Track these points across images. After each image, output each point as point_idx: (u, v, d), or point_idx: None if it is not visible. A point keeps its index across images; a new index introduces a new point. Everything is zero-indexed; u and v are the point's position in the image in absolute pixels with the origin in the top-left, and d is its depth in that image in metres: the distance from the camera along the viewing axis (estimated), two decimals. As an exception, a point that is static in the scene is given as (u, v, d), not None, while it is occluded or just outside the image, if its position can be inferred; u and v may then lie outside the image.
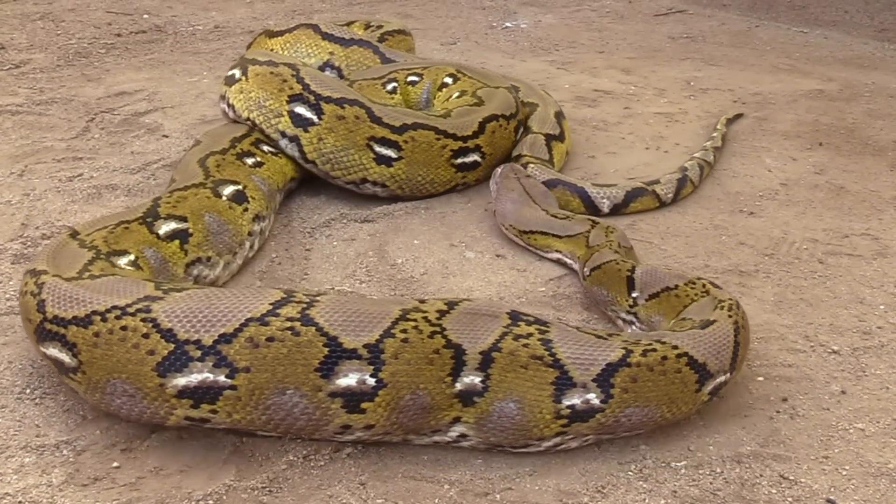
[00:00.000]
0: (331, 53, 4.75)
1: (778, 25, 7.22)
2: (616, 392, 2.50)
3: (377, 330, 2.44)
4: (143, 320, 2.44)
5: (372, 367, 2.42)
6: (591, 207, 3.98)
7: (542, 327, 2.56)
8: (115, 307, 2.48)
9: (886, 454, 2.62)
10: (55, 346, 2.56)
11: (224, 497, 2.41)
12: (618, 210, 3.99)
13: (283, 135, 3.96)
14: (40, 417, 2.67)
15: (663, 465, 2.56)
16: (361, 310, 2.49)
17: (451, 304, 2.59)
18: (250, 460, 2.55)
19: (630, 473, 2.53)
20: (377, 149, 3.91)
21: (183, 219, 3.24)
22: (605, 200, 3.98)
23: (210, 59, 5.94)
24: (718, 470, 2.54)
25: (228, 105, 4.14)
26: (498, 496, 2.45)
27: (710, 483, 2.50)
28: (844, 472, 2.55)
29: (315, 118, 3.90)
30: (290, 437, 2.57)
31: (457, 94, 4.47)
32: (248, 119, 4.04)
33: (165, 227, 3.17)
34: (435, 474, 2.52)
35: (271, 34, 4.91)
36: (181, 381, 2.42)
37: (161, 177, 4.14)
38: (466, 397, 2.50)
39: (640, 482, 2.50)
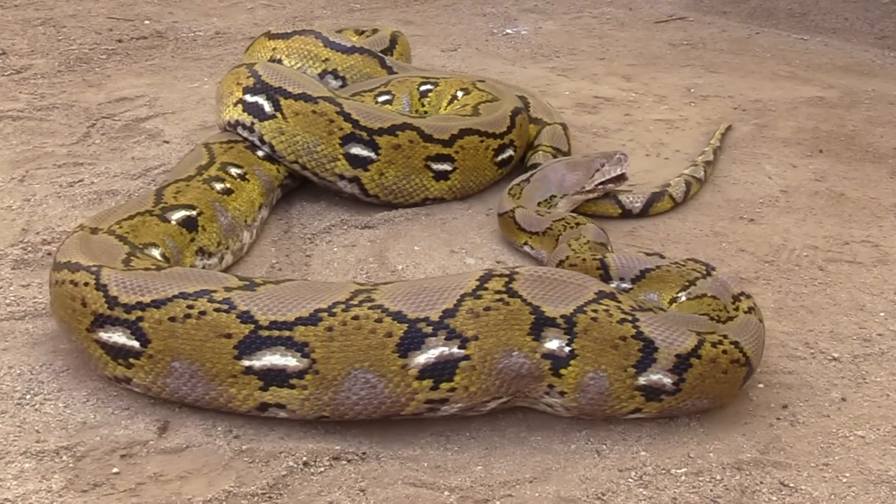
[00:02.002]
0: (273, 49, 4.74)
1: (778, 33, 7.23)
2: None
3: (572, 305, 2.63)
4: (371, 308, 2.55)
5: (567, 337, 2.61)
6: None
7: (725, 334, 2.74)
8: (337, 302, 2.57)
9: (887, 461, 2.62)
10: (276, 354, 2.55)
11: (224, 503, 2.41)
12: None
13: (342, 177, 3.88)
14: (40, 423, 2.67)
15: (663, 471, 2.56)
16: (560, 283, 2.68)
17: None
18: (250, 466, 2.54)
19: (630, 480, 2.53)
20: (434, 167, 3.95)
21: (154, 245, 3.13)
22: None
23: (211, 65, 5.95)
24: (718, 477, 2.54)
25: (262, 142, 3.89)
26: (498, 503, 2.44)
27: (711, 490, 2.50)
28: (845, 480, 2.55)
29: (373, 155, 3.83)
30: (516, 401, 2.70)
31: (460, 92, 4.47)
32: (294, 162, 3.88)
33: (153, 252, 3.08)
34: (435, 481, 2.52)
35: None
36: (421, 358, 2.54)
37: (161, 182, 4.14)
38: (652, 394, 2.67)
39: (641, 489, 2.50)
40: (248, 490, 2.45)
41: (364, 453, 2.60)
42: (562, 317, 2.61)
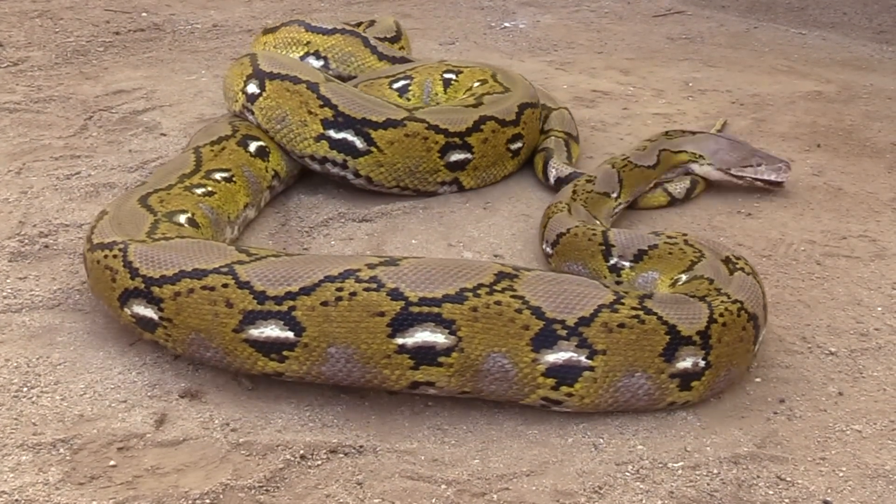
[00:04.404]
0: (264, 44, 4.84)
1: (776, 27, 7.23)
2: None
3: (703, 317, 2.71)
4: (512, 297, 2.61)
5: (703, 352, 2.70)
6: (545, 175, 4.22)
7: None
8: (481, 285, 2.62)
9: (883, 456, 2.62)
10: (426, 330, 2.59)
11: (221, 496, 2.41)
12: (560, 186, 4.07)
13: (443, 184, 4.04)
14: (37, 416, 2.67)
15: (660, 465, 2.57)
16: (686, 301, 2.77)
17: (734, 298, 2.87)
18: (247, 459, 2.55)
19: (627, 474, 2.53)
20: (512, 147, 4.18)
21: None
22: (552, 171, 4.17)
23: (208, 57, 5.94)
24: (715, 471, 2.55)
25: (356, 176, 3.90)
26: (495, 496, 2.45)
27: (707, 484, 2.50)
28: (841, 474, 2.55)
29: (469, 156, 4.00)
30: (623, 411, 2.77)
31: (477, 83, 4.51)
32: (395, 186, 3.97)
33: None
34: (432, 474, 2.52)
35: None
36: (550, 357, 2.61)
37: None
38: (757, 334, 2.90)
39: (637, 483, 2.50)
40: (245, 483, 2.45)
41: (361, 446, 2.60)
42: (697, 333, 2.68)
